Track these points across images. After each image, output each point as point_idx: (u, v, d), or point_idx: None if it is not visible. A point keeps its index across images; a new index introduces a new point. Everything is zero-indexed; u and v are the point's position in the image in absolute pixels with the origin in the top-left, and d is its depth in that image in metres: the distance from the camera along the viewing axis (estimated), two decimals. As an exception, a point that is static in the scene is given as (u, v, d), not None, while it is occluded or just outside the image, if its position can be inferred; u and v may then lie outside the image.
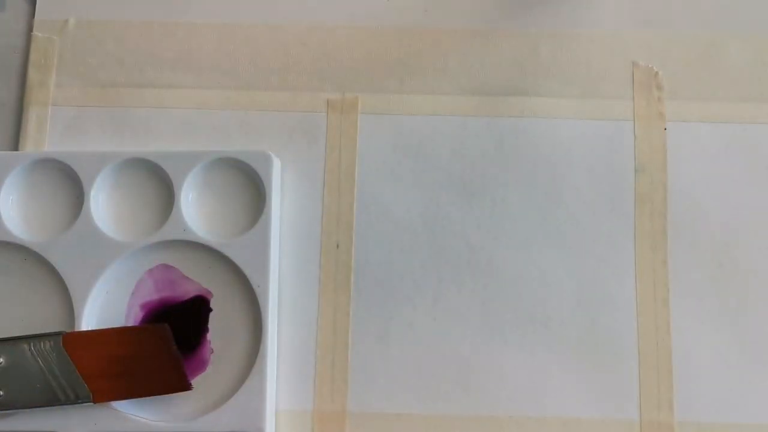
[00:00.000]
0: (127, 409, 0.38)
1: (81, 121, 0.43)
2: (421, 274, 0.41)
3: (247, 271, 0.39)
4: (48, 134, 0.43)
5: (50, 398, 0.36)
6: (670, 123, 0.43)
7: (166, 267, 0.40)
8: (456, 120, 0.43)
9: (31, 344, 0.37)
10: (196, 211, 0.41)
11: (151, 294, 0.40)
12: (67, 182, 0.41)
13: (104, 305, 0.39)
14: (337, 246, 0.42)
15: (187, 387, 0.37)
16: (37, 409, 0.37)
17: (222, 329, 0.39)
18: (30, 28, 0.45)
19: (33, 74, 0.44)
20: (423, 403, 0.40)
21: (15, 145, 0.43)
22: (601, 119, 0.43)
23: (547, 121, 0.43)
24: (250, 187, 0.41)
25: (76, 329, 0.38)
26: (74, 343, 0.37)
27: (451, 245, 0.42)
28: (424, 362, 0.40)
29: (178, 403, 0.38)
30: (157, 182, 0.41)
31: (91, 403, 0.37)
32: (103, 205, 0.41)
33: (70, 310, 0.39)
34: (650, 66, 0.44)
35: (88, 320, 0.39)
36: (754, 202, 0.42)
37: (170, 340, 0.37)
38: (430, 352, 0.40)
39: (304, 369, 0.40)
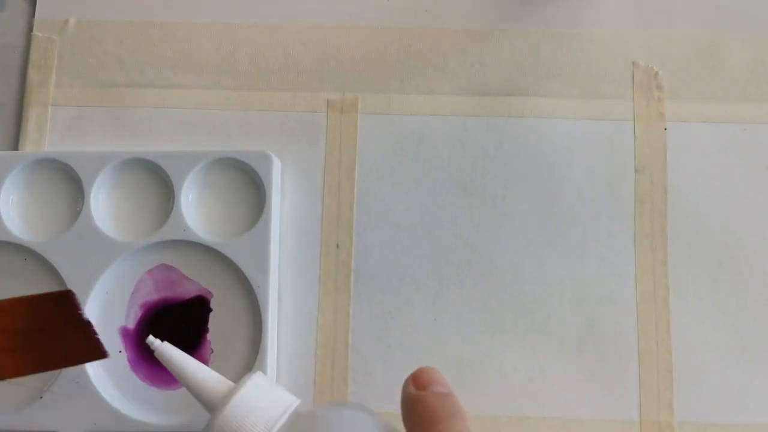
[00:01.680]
0: (128, 409, 0.38)
1: (81, 121, 0.43)
2: (421, 274, 0.41)
3: (247, 271, 0.39)
4: (48, 134, 0.43)
5: None
6: (670, 123, 0.43)
7: (166, 267, 0.40)
8: (456, 120, 0.43)
9: None
10: (196, 211, 0.41)
11: (151, 294, 0.40)
12: (67, 182, 0.41)
13: (104, 305, 0.40)
14: (337, 246, 0.42)
15: (102, 354, 0.35)
16: (37, 407, 0.37)
17: (222, 329, 0.39)
18: (30, 28, 0.45)
19: (33, 74, 0.44)
20: (423, 403, 0.40)
21: (15, 145, 0.43)
22: (601, 119, 0.43)
23: (547, 121, 0.43)
24: (250, 187, 0.41)
25: None
26: None
27: (451, 245, 0.42)
28: (424, 362, 0.40)
29: (178, 402, 0.38)
30: (157, 182, 0.41)
31: (3, 380, 0.35)
32: (103, 205, 0.41)
33: (70, 310, 0.39)
34: (650, 66, 0.44)
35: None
36: (754, 202, 0.42)
37: (75, 306, 0.36)
38: (430, 352, 0.40)
39: (304, 369, 0.40)
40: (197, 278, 0.40)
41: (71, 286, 0.39)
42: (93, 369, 0.38)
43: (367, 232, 0.42)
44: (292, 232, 0.42)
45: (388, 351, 0.40)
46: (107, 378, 0.39)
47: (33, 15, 0.45)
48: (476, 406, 0.40)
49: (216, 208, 0.41)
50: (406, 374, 0.40)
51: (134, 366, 0.39)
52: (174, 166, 0.40)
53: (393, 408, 0.40)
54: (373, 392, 0.40)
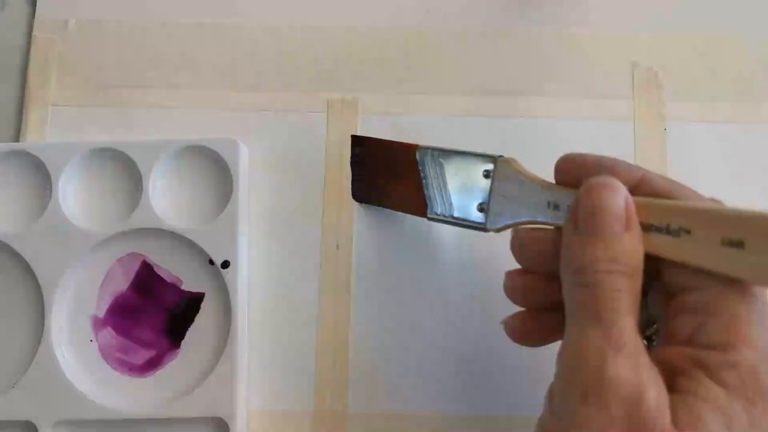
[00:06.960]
0: (100, 397, 0.37)
1: (81, 121, 0.42)
2: (421, 274, 0.41)
3: (216, 257, 0.38)
4: (48, 134, 0.42)
5: None
6: (670, 123, 0.42)
7: (136, 255, 0.39)
8: (456, 120, 0.42)
9: None
10: (165, 199, 0.40)
11: (121, 283, 0.39)
12: (35, 173, 0.40)
13: (74, 295, 0.39)
14: (337, 247, 0.41)
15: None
16: (9, 398, 0.37)
17: (192, 316, 0.39)
18: (30, 28, 0.44)
19: (33, 74, 0.43)
20: (423, 403, 0.39)
21: (15, 145, 0.42)
22: (601, 119, 0.42)
23: (547, 121, 0.42)
24: (218, 174, 0.40)
25: (46, 320, 0.38)
26: None
27: (451, 245, 0.41)
28: (425, 362, 0.39)
29: (149, 389, 0.38)
30: (125, 171, 0.40)
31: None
32: (72, 195, 0.40)
33: (39, 301, 0.38)
34: (650, 66, 0.43)
35: (59, 310, 0.38)
36: (755, 202, 0.41)
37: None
38: (430, 352, 0.40)
39: (304, 369, 0.39)
40: (167, 266, 0.39)
41: (41, 276, 0.38)
42: (64, 358, 0.38)
43: (367, 232, 0.41)
44: (292, 232, 0.41)
45: (388, 351, 0.40)
46: (78, 367, 0.38)
47: (33, 15, 0.44)
48: (476, 406, 0.39)
49: (184, 196, 0.40)
50: (406, 374, 0.39)
51: (105, 354, 0.39)
52: (141, 154, 0.39)
53: (393, 408, 0.39)
54: (373, 392, 0.39)
